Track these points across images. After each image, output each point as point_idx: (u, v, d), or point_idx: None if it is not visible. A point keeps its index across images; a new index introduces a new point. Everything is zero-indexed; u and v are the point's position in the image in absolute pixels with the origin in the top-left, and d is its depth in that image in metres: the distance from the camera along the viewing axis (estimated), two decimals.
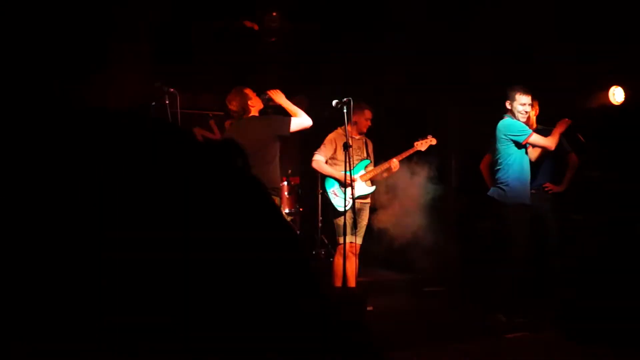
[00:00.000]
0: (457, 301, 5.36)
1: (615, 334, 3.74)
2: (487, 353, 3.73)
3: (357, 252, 5.00)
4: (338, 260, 4.93)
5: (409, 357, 3.69)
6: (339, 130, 5.00)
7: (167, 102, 3.96)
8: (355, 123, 4.95)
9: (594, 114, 4.75)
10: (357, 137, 5.08)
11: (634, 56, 4.50)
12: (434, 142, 5.07)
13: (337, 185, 4.94)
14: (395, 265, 6.59)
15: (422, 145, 5.06)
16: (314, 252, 6.67)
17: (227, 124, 6.92)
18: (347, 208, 4.73)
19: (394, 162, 4.97)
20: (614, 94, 4.79)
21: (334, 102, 4.20)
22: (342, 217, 4.82)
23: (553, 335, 3.99)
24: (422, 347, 3.85)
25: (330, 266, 5.14)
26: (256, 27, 5.88)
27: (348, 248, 4.95)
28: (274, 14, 5.72)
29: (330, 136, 4.97)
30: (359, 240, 4.97)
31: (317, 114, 4.72)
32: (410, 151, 5.06)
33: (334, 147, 4.94)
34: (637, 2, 4.35)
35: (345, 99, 4.10)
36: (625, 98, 4.74)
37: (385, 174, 5.09)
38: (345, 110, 4.10)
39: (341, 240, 4.93)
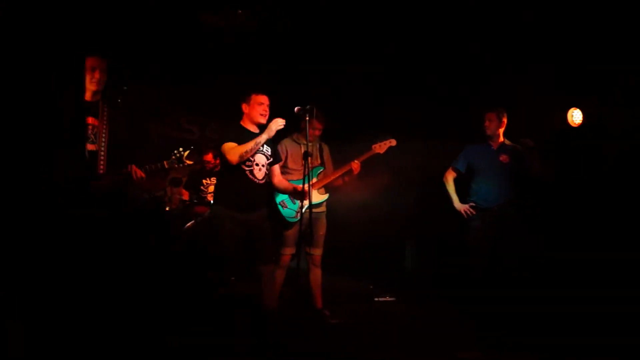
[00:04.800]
0: (407, 313, 5.30)
1: (566, 346, 3.76)
2: None
3: (319, 263, 4.81)
4: (280, 273, 4.65)
5: None
6: (292, 137, 4.81)
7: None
8: (303, 130, 4.76)
9: (554, 135, 4.82)
10: (310, 143, 4.87)
11: (591, 79, 4.60)
12: (393, 143, 4.81)
13: (286, 196, 4.65)
14: (345, 274, 6.46)
15: (380, 147, 4.80)
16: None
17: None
18: (297, 218, 4.44)
19: (355, 164, 4.68)
20: (572, 116, 4.87)
21: (296, 109, 4.00)
22: (293, 229, 4.59)
23: (505, 352, 3.98)
24: None
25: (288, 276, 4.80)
26: (222, 24, 5.71)
27: (310, 260, 4.79)
28: (240, 11, 5.55)
29: (281, 144, 4.71)
30: (319, 251, 4.79)
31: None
32: (369, 154, 4.78)
33: (285, 155, 4.71)
34: (596, 25, 4.43)
35: (308, 106, 3.95)
36: (583, 119, 4.83)
37: (346, 178, 4.79)
38: (307, 118, 3.96)
39: (285, 251, 4.68)
